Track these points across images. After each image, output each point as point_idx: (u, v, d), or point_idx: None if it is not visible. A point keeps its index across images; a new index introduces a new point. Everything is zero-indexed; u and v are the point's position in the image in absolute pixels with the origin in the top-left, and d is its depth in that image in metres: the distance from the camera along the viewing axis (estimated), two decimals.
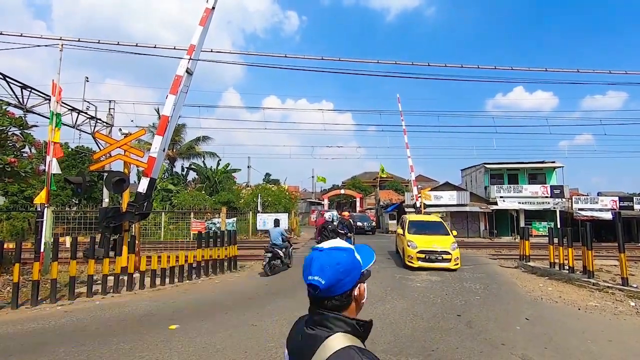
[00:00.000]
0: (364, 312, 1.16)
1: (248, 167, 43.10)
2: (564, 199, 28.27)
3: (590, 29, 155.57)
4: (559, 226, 24.88)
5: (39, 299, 7.24)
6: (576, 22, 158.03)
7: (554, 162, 31.14)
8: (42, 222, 8.86)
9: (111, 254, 8.72)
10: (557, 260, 10.91)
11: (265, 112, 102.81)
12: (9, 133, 9.49)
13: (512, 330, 5.75)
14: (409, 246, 11.59)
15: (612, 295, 8.15)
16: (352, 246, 1.21)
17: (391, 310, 6.78)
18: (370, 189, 50.61)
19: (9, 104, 10.22)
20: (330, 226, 13.11)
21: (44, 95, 11.81)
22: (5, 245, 8.40)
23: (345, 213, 18.97)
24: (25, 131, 10.07)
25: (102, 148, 11.56)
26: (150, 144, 10.38)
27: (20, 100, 11.31)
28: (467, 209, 28.93)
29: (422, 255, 11.16)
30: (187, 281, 9.73)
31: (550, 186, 29.16)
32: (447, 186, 32.59)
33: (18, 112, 10.60)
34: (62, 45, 10.10)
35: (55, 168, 8.79)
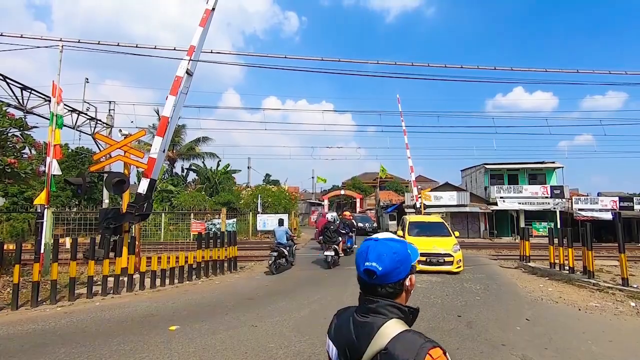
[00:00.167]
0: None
1: (248, 167, 43.13)
2: (564, 199, 28.27)
3: (590, 30, 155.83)
4: (559, 226, 24.87)
5: (39, 300, 7.23)
6: (576, 22, 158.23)
7: (554, 162, 31.14)
8: (42, 223, 8.86)
9: (111, 255, 8.72)
10: (557, 261, 10.90)
11: (265, 113, 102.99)
12: (9, 134, 9.50)
13: (512, 330, 5.74)
14: None
15: (613, 296, 8.14)
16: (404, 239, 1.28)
17: None
18: (370, 189, 50.60)
19: (9, 105, 10.23)
20: (332, 226, 13.19)
21: (44, 97, 11.81)
22: (5, 246, 8.40)
23: (347, 213, 19.02)
24: (25, 132, 10.09)
25: (102, 149, 11.56)
26: (150, 145, 10.39)
27: (21, 101, 11.31)
28: (467, 209, 28.92)
29: (423, 259, 10.71)
30: (187, 282, 9.73)
31: (551, 186, 29.16)
32: (447, 187, 32.58)
33: (18, 114, 10.63)
34: (62, 46, 10.12)
35: (55, 169, 8.79)
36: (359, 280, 1.21)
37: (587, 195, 29.87)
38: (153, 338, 5.25)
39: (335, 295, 8.07)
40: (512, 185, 29.92)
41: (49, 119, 9.30)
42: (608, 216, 25.29)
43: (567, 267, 10.35)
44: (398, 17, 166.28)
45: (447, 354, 1.04)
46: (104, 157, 10.46)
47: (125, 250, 8.73)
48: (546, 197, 28.59)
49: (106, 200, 13.89)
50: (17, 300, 6.99)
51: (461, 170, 38.18)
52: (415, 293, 8.34)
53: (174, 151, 34.72)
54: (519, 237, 17.18)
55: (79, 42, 10.42)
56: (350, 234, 16.12)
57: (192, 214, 24.06)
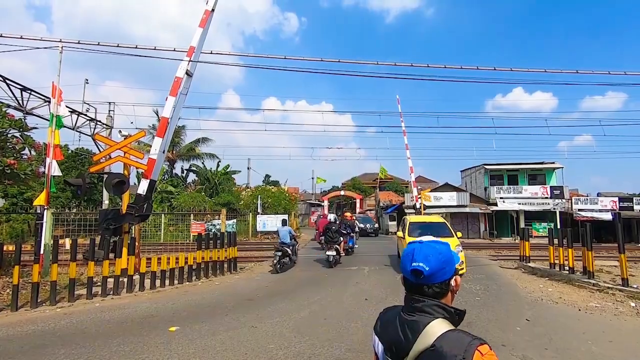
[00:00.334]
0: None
1: (248, 168, 43.18)
2: (563, 200, 28.28)
3: (589, 30, 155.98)
4: (559, 227, 24.87)
5: (38, 301, 7.22)
6: (575, 22, 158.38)
7: (553, 162, 31.18)
8: (42, 224, 8.84)
9: (111, 255, 8.72)
10: (557, 261, 10.90)
11: (265, 114, 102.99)
12: (9, 135, 9.50)
13: (512, 331, 5.74)
14: None
15: (613, 296, 8.14)
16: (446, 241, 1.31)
17: None
18: (370, 190, 50.61)
19: (8, 106, 10.23)
20: (334, 227, 13.35)
21: (43, 97, 11.82)
22: (4, 248, 8.39)
23: (348, 214, 19.11)
24: (25, 133, 10.09)
25: (101, 150, 11.56)
26: (150, 146, 10.39)
27: (20, 102, 11.32)
28: (467, 209, 28.93)
29: None
30: (187, 283, 9.72)
31: (550, 187, 29.18)
32: (447, 187, 32.61)
33: (18, 114, 10.63)
34: (61, 47, 10.12)
35: (55, 170, 8.79)
36: (405, 281, 1.27)
37: (587, 196, 29.91)
38: (153, 339, 5.25)
39: (335, 296, 8.07)
40: (511, 186, 29.95)
41: (48, 120, 9.31)
42: (608, 216, 25.32)
43: (567, 268, 10.35)
44: (398, 18, 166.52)
45: (492, 349, 1.07)
46: (103, 158, 10.46)
47: (125, 251, 8.73)
48: (546, 198, 28.61)
49: (106, 201, 13.89)
50: (16, 302, 6.98)
51: (461, 171, 38.21)
52: None
53: (174, 152, 34.73)
54: (518, 238, 17.18)
55: (78, 43, 10.42)
56: (352, 234, 16.24)
57: (191, 215, 24.05)
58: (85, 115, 14.34)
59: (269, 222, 26.14)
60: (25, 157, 10.06)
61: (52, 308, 7.15)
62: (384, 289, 8.83)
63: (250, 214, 27.12)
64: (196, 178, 38.23)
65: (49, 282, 7.61)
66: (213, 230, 20.93)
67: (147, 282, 8.95)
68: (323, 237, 14.04)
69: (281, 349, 4.84)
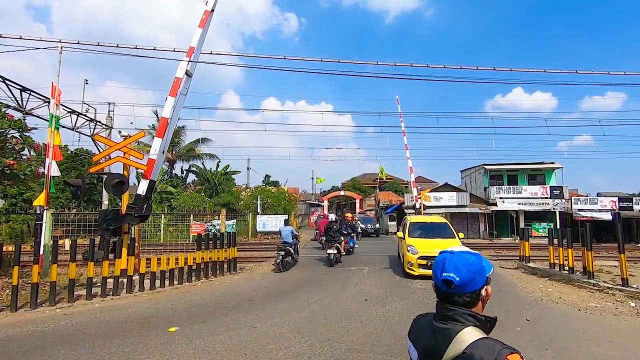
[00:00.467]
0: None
1: (248, 168, 43.12)
2: (563, 200, 28.29)
3: (589, 30, 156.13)
4: (558, 227, 24.87)
5: (38, 301, 7.21)
6: (575, 23, 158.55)
7: (553, 163, 31.19)
8: (42, 224, 8.84)
9: (111, 256, 8.71)
10: (557, 261, 10.90)
11: (264, 114, 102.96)
12: (8, 135, 9.49)
13: (512, 331, 5.74)
14: (408, 251, 10.37)
15: (613, 296, 8.14)
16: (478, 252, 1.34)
17: (391, 312, 6.77)
18: (369, 190, 50.62)
19: (8, 107, 10.22)
20: (335, 226, 13.51)
21: (43, 98, 11.81)
22: (4, 248, 8.40)
23: (349, 214, 19.25)
24: (25, 134, 10.08)
25: (101, 150, 11.56)
26: (150, 146, 10.39)
27: (20, 102, 11.31)
28: (466, 210, 28.93)
29: (424, 262, 9.92)
30: (187, 283, 9.71)
31: (550, 187, 29.19)
32: (447, 187, 32.62)
33: (17, 115, 10.62)
34: (61, 47, 10.12)
35: (54, 170, 8.79)
36: (436, 290, 1.30)
37: (587, 196, 29.93)
38: (153, 340, 5.24)
39: (335, 296, 8.07)
40: (511, 186, 29.96)
41: (48, 121, 9.30)
42: (607, 216, 25.33)
43: (566, 268, 10.35)
44: (397, 18, 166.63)
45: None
46: (103, 159, 10.46)
47: (124, 251, 8.72)
48: (546, 198, 28.61)
49: (105, 202, 13.88)
50: (16, 302, 6.98)
51: (461, 171, 38.23)
52: (415, 294, 8.33)
53: (174, 152, 34.72)
54: (518, 238, 17.18)
55: (78, 43, 10.43)
56: (352, 234, 16.40)
57: (191, 215, 24.02)
58: (85, 115, 14.33)
59: (268, 223, 26.13)
60: (24, 157, 10.06)
61: (51, 309, 7.14)
62: (383, 289, 8.82)
63: (250, 214, 27.11)
64: (196, 178, 38.24)
65: (49, 282, 7.60)
66: (213, 231, 20.92)
67: (147, 282, 8.94)
68: (324, 237, 14.20)
69: (281, 350, 4.84)
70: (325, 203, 43.74)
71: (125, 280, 8.59)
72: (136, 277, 8.97)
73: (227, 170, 36.67)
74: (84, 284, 8.18)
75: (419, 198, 24.05)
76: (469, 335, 1.15)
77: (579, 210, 27.55)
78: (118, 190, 9.16)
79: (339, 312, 6.72)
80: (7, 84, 11.00)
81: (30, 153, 10.52)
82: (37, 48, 10.44)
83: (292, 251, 12.32)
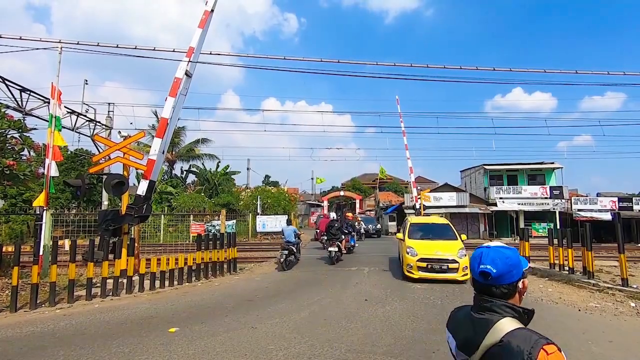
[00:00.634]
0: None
1: (247, 169, 43.16)
2: (563, 200, 28.30)
3: (589, 30, 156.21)
4: (558, 227, 24.88)
5: (37, 302, 7.21)
6: (575, 23, 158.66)
7: (553, 163, 31.21)
8: (41, 225, 8.84)
9: (110, 256, 8.71)
10: (557, 261, 10.90)
11: (264, 114, 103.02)
12: (8, 136, 9.48)
13: None
14: (407, 253, 9.97)
15: (612, 296, 8.14)
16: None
17: (391, 312, 6.76)
18: (369, 190, 50.62)
19: (7, 107, 10.22)
20: (336, 224, 13.71)
21: (43, 98, 11.81)
22: (4, 249, 8.38)
23: (350, 214, 19.43)
24: (24, 134, 10.07)
25: (101, 151, 11.55)
26: (150, 147, 10.38)
27: (20, 103, 11.31)
28: (466, 210, 28.94)
29: (424, 264, 9.55)
30: (187, 284, 9.71)
31: (550, 187, 29.20)
32: (447, 187, 32.64)
33: (17, 115, 10.61)
34: (61, 48, 10.12)
35: (53, 171, 8.78)
36: (474, 283, 1.35)
37: (587, 196, 29.94)
38: (152, 340, 5.24)
39: (335, 297, 8.06)
40: (511, 186, 29.97)
41: (48, 121, 9.30)
42: (607, 217, 25.33)
43: (566, 268, 10.35)
44: (397, 19, 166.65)
45: (562, 351, 1.14)
46: (103, 159, 10.46)
47: (124, 252, 8.72)
48: (545, 198, 28.62)
49: (105, 202, 13.88)
50: (15, 303, 6.97)
51: (460, 171, 38.25)
52: (415, 294, 8.33)
53: (174, 153, 34.72)
54: (518, 238, 17.17)
55: (77, 43, 10.43)
56: (353, 233, 16.63)
57: (191, 216, 24.02)
58: (85, 116, 14.33)
59: (268, 223, 26.13)
60: (24, 158, 10.05)
61: (51, 309, 7.14)
62: (383, 289, 8.82)
63: (250, 214, 27.12)
64: (196, 179, 38.24)
65: (48, 283, 7.60)
66: (212, 231, 20.92)
67: (147, 283, 8.94)
68: (325, 236, 14.38)
69: (281, 350, 4.83)
70: (325, 203, 43.75)
71: (125, 280, 8.58)
72: (136, 278, 8.96)
73: (227, 170, 36.68)
74: (84, 284, 8.18)
75: (419, 198, 24.04)
76: (507, 325, 1.20)
77: (579, 210, 27.56)
78: (118, 191, 9.16)
79: (339, 313, 6.71)
80: (6, 85, 11.00)
81: (30, 153, 10.51)
82: (36, 48, 10.46)
83: (295, 250, 12.61)
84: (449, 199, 29.39)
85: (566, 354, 1.23)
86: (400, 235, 11.70)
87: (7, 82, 10.97)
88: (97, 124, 15.00)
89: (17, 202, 24.19)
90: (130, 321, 6.33)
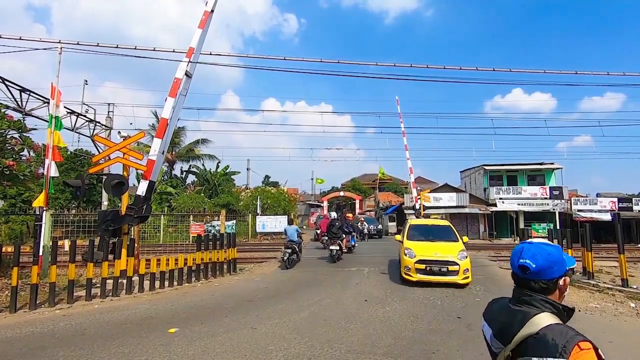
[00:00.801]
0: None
1: (247, 169, 43.14)
2: (563, 201, 28.30)
3: (589, 30, 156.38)
4: (558, 227, 24.89)
5: (37, 302, 7.20)
6: (575, 23, 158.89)
7: (553, 163, 31.20)
8: (41, 225, 8.84)
9: (110, 257, 8.70)
10: None
11: (264, 114, 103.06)
12: (8, 136, 9.48)
13: None
14: (405, 255, 9.61)
15: (612, 297, 8.14)
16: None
17: (391, 313, 6.76)
18: (369, 191, 50.63)
19: (7, 107, 10.22)
20: (337, 223, 13.91)
21: (42, 98, 11.81)
22: (3, 249, 8.37)
23: (350, 215, 19.55)
24: (24, 134, 10.08)
25: (101, 151, 11.55)
26: (150, 147, 10.38)
27: (19, 103, 11.30)
28: (466, 210, 28.94)
29: (422, 267, 9.21)
30: (187, 284, 9.70)
31: (550, 187, 29.20)
32: (447, 188, 32.64)
33: (17, 115, 10.61)
34: (61, 48, 10.11)
35: (53, 171, 8.78)
36: (514, 276, 1.38)
37: (586, 196, 29.94)
38: (152, 341, 5.23)
39: (335, 297, 8.06)
40: (511, 187, 29.98)
41: (47, 121, 9.30)
42: (607, 217, 25.32)
43: None
44: (397, 19, 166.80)
45: (599, 351, 1.11)
46: (103, 159, 10.45)
47: (124, 252, 8.71)
48: (545, 198, 28.63)
49: (105, 202, 13.88)
50: (15, 303, 6.97)
51: (460, 172, 38.25)
52: (415, 295, 8.32)
53: (173, 153, 34.71)
54: (518, 239, 17.17)
55: (77, 44, 10.43)
56: (353, 233, 16.88)
57: (191, 216, 24.00)
58: (85, 116, 14.33)
59: (268, 223, 26.13)
60: (24, 158, 10.05)
61: (51, 310, 7.13)
62: (383, 290, 8.81)
63: (250, 215, 27.11)
64: (195, 179, 38.22)
65: (48, 283, 7.59)
66: (212, 232, 20.92)
67: (147, 283, 8.93)
68: (326, 236, 14.58)
69: (281, 351, 4.83)
70: (325, 204, 43.74)
71: (124, 281, 8.57)
72: (136, 278, 8.95)
73: (227, 170, 36.68)
74: (84, 285, 8.17)
75: (419, 199, 24.06)
76: (545, 319, 1.22)
77: (579, 210, 27.57)
78: (118, 191, 9.15)
79: (338, 313, 6.71)
80: (6, 85, 10.99)
81: (29, 154, 10.52)
82: (36, 49, 10.46)
83: (297, 249, 12.88)
84: (448, 199, 29.39)
85: None
86: (399, 237, 11.39)
87: (7, 82, 10.97)
88: (97, 124, 15.00)
89: (17, 202, 24.16)
90: (130, 322, 6.33)
